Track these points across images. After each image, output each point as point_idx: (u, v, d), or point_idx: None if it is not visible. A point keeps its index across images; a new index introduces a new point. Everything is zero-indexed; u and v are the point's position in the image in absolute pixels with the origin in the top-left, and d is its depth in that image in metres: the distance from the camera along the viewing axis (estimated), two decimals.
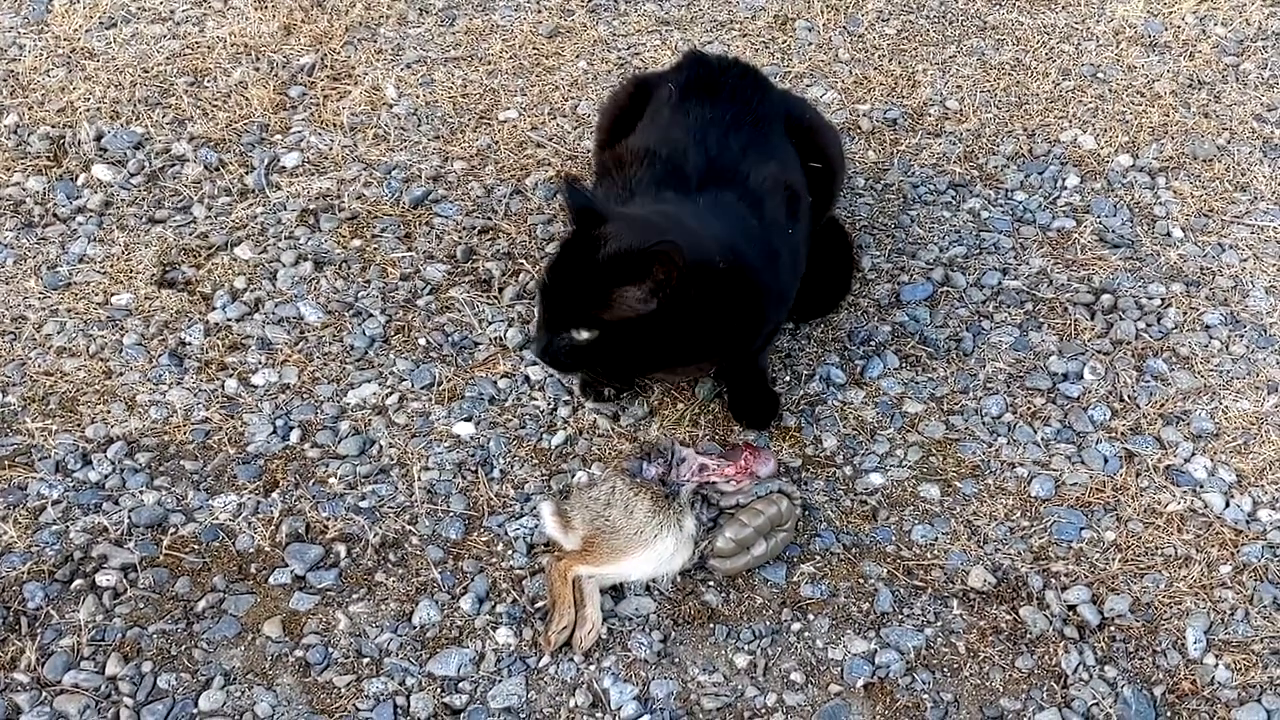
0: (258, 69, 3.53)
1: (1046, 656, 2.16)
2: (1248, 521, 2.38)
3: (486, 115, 3.42)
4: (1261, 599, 2.24)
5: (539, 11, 3.83)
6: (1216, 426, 2.57)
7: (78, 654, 2.12)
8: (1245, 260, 2.97)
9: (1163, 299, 2.86)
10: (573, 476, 2.43)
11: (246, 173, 3.17)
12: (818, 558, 2.31)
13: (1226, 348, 2.74)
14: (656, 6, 3.87)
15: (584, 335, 2.20)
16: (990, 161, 3.27)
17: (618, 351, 2.24)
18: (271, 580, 2.25)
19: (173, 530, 2.32)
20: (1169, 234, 3.05)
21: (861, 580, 2.27)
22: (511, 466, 2.47)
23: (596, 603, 2.16)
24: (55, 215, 3.04)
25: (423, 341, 2.73)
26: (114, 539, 2.30)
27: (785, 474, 2.39)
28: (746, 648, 2.16)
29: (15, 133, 3.28)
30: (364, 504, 2.38)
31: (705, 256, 2.19)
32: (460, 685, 2.09)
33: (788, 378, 2.67)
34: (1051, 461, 2.49)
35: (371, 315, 2.78)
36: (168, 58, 3.58)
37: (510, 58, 3.64)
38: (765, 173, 2.50)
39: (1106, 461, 2.49)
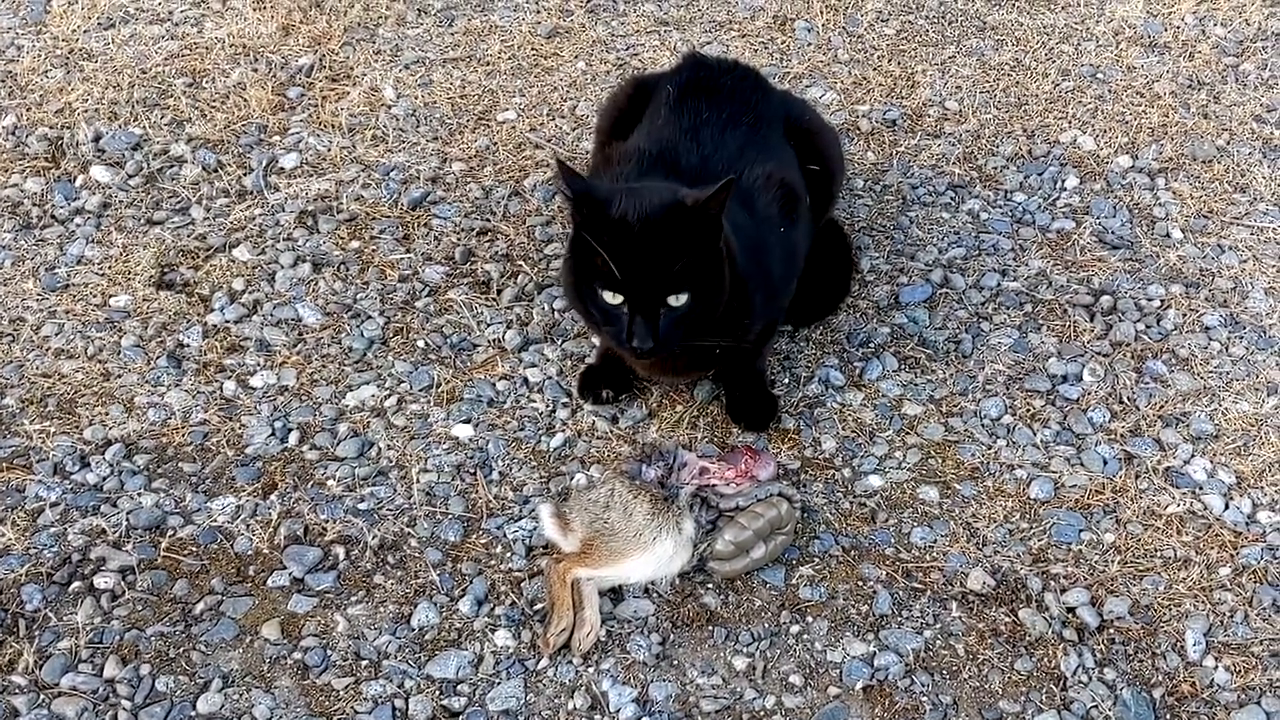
0: (256, 70, 3.52)
1: (1046, 659, 2.15)
2: (1247, 523, 2.38)
3: (485, 116, 3.42)
4: (1261, 601, 2.24)
5: (538, 12, 3.83)
6: (1216, 428, 2.56)
7: (76, 656, 2.11)
8: (1245, 261, 2.97)
9: (1162, 300, 2.85)
10: (572, 479, 2.43)
11: (245, 174, 3.17)
12: (816, 560, 2.31)
13: (1226, 349, 2.74)
14: (655, 7, 3.87)
15: (682, 299, 2.15)
16: (989, 163, 3.27)
17: (700, 307, 2.18)
18: (270, 582, 2.24)
19: (171, 532, 2.32)
20: (1168, 235, 3.04)
21: (860, 583, 2.27)
22: (510, 468, 2.46)
23: (595, 605, 2.16)
24: (53, 216, 3.04)
25: (421, 343, 2.72)
26: (112, 541, 2.29)
27: (784, 477, 2.39)
28: (745, 650, 2.16)
29: (13, 134, 3.27)
30: (362, 506, 2.38)
31: None
32: (459, 687, 2.09)
33: (786, 380, 2.67)
34: (1051, 463, 2.49)
35: (370, 317, 2.78)
36: (166, 59, 3.57)
37: (509, 58, 3.63)
38: (759, 171, 2.49)
39: (1106, 463, 2.49)
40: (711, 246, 2.18)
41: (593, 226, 2.14)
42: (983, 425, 2.57)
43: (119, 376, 2.63)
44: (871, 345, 2.74)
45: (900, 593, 2.25)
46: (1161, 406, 2.61)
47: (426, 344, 2.72)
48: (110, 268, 2.89)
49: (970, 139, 3.35)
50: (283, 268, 2.89)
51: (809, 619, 2.21)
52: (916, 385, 2.65)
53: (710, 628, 2.19)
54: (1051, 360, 2.70)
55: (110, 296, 2.82)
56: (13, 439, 2.49)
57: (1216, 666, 2.15)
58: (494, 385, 2.63)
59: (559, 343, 2.72)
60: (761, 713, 2.07)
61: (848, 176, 3.09)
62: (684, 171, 2.46)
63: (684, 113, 2.58)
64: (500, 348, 2.71)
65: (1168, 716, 2.08)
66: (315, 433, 2.52)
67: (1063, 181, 3.20)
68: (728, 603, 2.23)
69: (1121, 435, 2.55)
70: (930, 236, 3.04)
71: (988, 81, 3.57)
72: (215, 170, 3.18)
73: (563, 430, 2.54)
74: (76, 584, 2.22)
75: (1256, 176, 3.22)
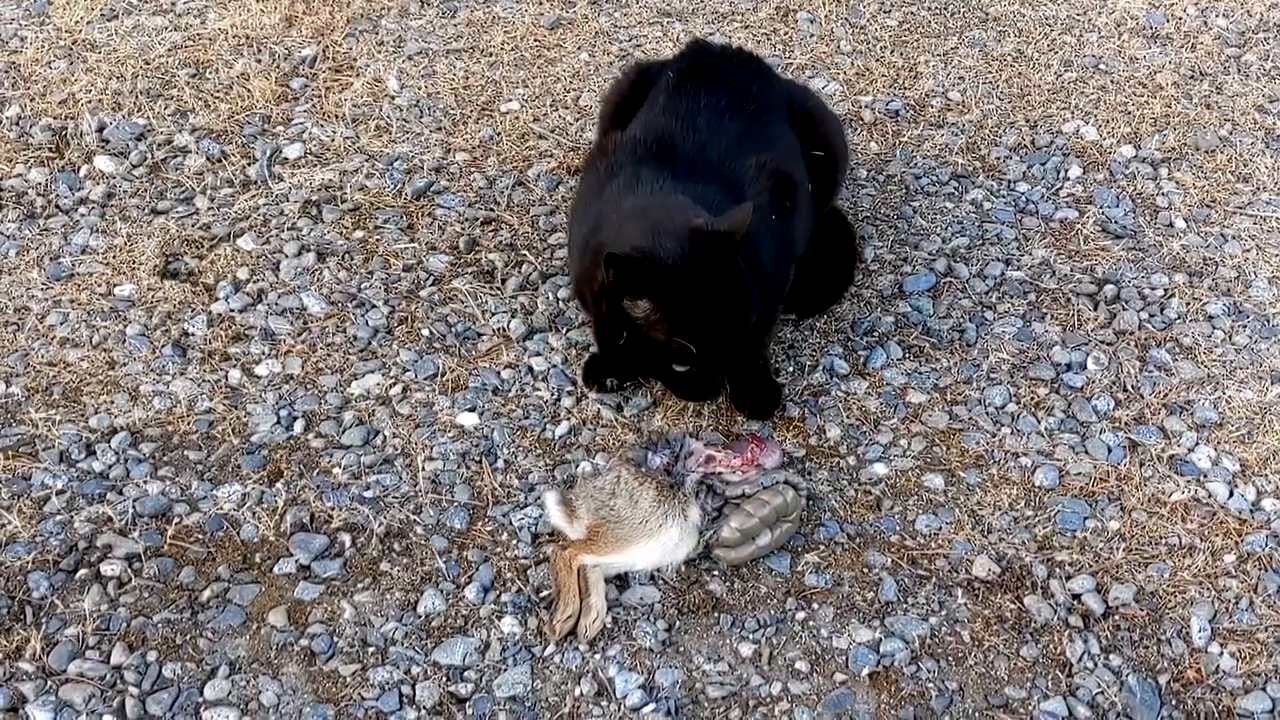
0: (259, 61, 3.52)
1: (1051, 645, 2.16)
2: (1251, 511, 2.38)
3: (488, 107, 3.41)
4: (1266, 588, 2.24)
5: (540, 3, 3.83)
6: (1220, 416, 2.57)
7: (83, 643, 2.12)
8: (1248, 250, 2.97)
9: (1166, 289, 2.86)
10: (577, 466, 2.43)
11: (249, 164, 3.17)
12: (822, 547, 2.31)
13: (1230, 338, 2.74)
14: None
15: None
16: (992, 152, 3.27)
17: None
18: (276, 570, 2.24)
19: (177, 520, 2.32)
20: (1171, 224, 3.05)
21: (866, 570, 2.27)
22: (515, 456, 2.46)
23: (601, 592, 2.16)
24: (58, 206, 3.04)
25: (426, 332, 2.73)
26: (118, 529, 2.30)
27: (790, 464, 2.39)
28: (751, 637, 2.16)
29: (17, 124, 3.27)
30: (368, 494, 2.38)
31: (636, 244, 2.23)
32: (465, 674, 2.09)
33: (791, 368, 2.67)
34: (1055, 451, 2.49)
35: (374, 306, 2.78)
36: (169, 49, 3.57)
37: (512, 49, 3.63)
38: (755, 159, 2.49)
39: (1110, 451, 2.49)
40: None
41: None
42: (987, 413, 2.57)
43: (124, 365, 2.63)
44: (876, 334, 2.74)
45: (906, 580, 2.26)
46: (1165, 394, 2.61)
47: (431, 333, 2.72)
48: (115, 257, 2.89)
49: (973, 129, 3.35)
50: (287, 257, 2.89)
51: (815, 606, 2.21)
52: (921, 374, 2.65)
53: (716, 614, 2.19)
54: (1055, 349, 2.71)
55: (115, 286, 2.82)
56: (19, 427, 2.49)
57: (1222, 652, 2.15)
58: (499, 374, 2.63)
59: (563, 331, 2.72)
60: (768, 699, 2.07)
61: (851, 166, 3.09)
62: (679, 159, 2.45)
63: (683, 99, 2.58)
64: (505, 336, 2.72)
65: (1173, 702, 2.08)
66: (320, 421, 2.52)
67: (1066, 171, 3.21)
68: (733, 590, 2.23)
69: (1126, 423, 2.55)
70: (934, 226, 3.04)
71: (990, 72, 3.57)
72: (219, 160, 3.18)
73: (568, 418, 2.54)
74: (83, 571, 2.22)
75: (1259, 166, 3.23)
